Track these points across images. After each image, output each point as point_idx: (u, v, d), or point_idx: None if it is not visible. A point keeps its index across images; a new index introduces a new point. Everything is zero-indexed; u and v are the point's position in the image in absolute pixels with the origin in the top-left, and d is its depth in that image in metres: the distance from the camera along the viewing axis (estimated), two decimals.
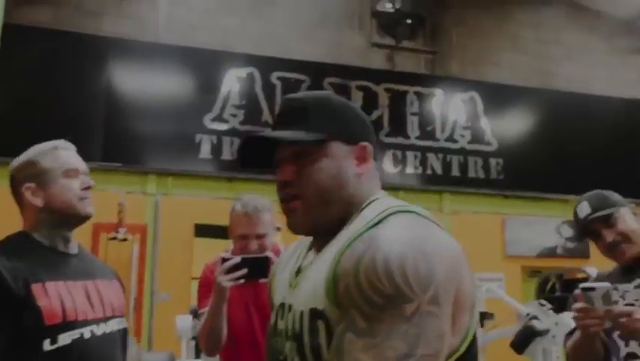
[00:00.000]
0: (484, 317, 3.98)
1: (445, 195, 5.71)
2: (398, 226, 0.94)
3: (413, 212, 0.97)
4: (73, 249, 1.68)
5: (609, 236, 1.91)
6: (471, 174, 5.79)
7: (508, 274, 5.60)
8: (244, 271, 1.93)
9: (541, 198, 5.92)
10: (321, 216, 1.02)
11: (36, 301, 1.47)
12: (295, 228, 1.05)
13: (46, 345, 1.47)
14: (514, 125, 6.08)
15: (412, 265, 0.88)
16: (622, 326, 1.67)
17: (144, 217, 4.82)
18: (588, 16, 6.69)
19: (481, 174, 5.82)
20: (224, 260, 1.95)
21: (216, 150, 5.02)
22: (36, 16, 4.92)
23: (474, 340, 0.96)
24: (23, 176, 1.65)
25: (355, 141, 1.05)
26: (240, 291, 2.09)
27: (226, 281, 1.93)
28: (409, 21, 5.87)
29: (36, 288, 1.49)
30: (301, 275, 1.06)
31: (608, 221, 1.92)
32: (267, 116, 5.21)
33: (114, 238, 4.49)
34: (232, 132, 5.04)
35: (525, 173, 5.87)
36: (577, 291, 1.75)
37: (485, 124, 5.93)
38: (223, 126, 5.07)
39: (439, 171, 5.67)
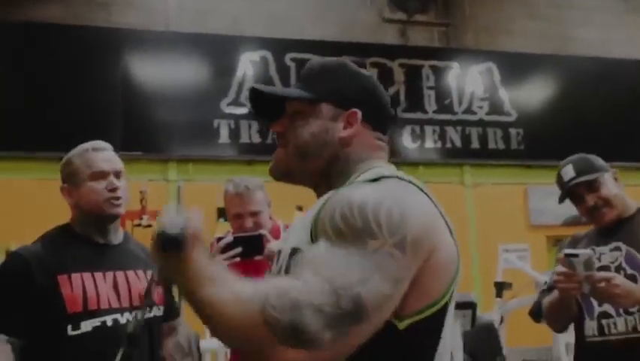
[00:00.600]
0: (503, 287, 4.00)
1: (466, 168, 5.68)
2: (383, 183, 0.99)
3: (401, 178, 1.02)
4: (115, 240, 1.79)
5: (591, 200, 1.98)
6: (491, 145, 5.74)
7: (534, 244, 5.58)
8: (238, 249, 1.96)
9: None
10: (295, 167, 1.11)
11: (60, 290, 1.61)
12: (270, 171, 1.13)
13: (70, 331, 1.61)
14: (532, 94, 6.01)
15: (387, 210, 0.91)
16: (600, 290, 1.73)
17: (168, 204, 4.88)
18: None
19: (501, 145, 5.77)
20: (218, 240, 1.99)
21: (234, 134, 5.04)
22: (47, 13, 4.95)
23: (442, 311, 0.96)
24: (62, 175, 1.79)
25: (348, 106, 1.11)
26: (242, 273, 2.13)
27: (221, 260, 1.96)
28: None
29: (62, 278, 1.63)
30: (295, 225, 1.14)
31: (592, 185, 1.99)
32: None
33: (139, 225, 4.62)
34: (249, 116, 5.05)
35: (546, 142, 5.81)
36: (559, 255, 1.82)
37: (503, 94, 5.87)
38: (240, 110, 5.08)
39: (458, 144, 5.63)
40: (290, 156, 1.11)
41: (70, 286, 1.62)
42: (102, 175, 1.73)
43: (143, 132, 4.87)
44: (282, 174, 1.13)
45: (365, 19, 5.71)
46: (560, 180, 2.07)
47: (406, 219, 0.91)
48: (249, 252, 1.98)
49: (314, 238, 0.96)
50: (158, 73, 5.01)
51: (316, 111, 1.11)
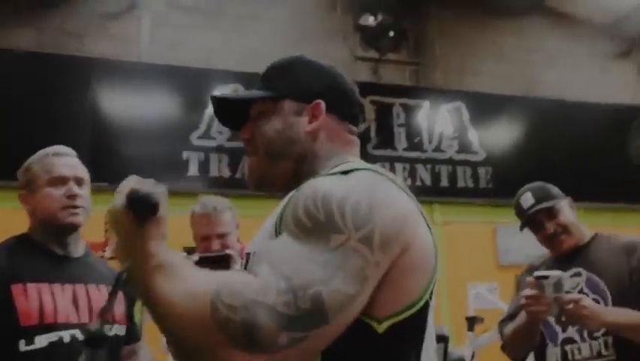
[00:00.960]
0: (474, 321, 3.98)
1: (435, 206, 5.71)
2: (353, 175, 0.93)
3: (375, 171, 0.96)
4: (75, 252, 1.66)
5: (551, 227, 2.03)
6: (460, 183, 5.80)
7: (502, 283, 5.59)
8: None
9: None
10: (269, 170, 1.06)
11: (14, 301, 1.46)
12: (250, 180, 1.10)
13: (22, 346, 1.45)
14: (501, 133, 6.11)
15: (354, 202, 0.84)
16: (569, 312, 1.76)
17: None
18: (569, 23, 6.76)
19: (471, 184, 5.83)
20: None
21: (204, 167, 4.99)
22: (18, 40, 4.89)
23: (423, 311, 0.90)
24: (21, 181, 1.67)
25: (311, 99, 1.07)
26: None
27: None
28: (391, 34, 5.90)
29: (16, 288, 1.47)
30: (263, 225, 1.07)
31: (551, 212, 2.03)
32: None
33: (102, 257, 4.50)
34: (219, 149, 5.02)
35: (514, 181, 5.79)
36: (529, 278, 1.84)
37: (472, 133, 5.95)
38: (210, 143, 5.04)
39: (428, 182, 5.67)
40: (261, 160, 1.07)
41: (25, 296, 1.47)
42: (61, 181, 1.60)
43: (110, 163, 4.80)
44: (258, 181, 1.09)
45: (338, 56, 5.77)
46: (519, 208, 2.11)
47: (375, 212, 0.84)
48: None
49: (278, 232, 0.90)
50: (128, 103, 4.96)
51: (278, 108, 1.07)
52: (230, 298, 0.76)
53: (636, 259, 1.92)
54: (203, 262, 1.89)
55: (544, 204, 2.05)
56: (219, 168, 5.04)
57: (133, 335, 1.78)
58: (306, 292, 0.77)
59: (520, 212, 2.11)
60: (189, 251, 1.93)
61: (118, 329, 1.67)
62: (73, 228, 1.65)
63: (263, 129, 1.07)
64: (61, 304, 1.53)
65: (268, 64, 1.15)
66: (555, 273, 1.80)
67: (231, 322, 0.75)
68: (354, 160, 1.05)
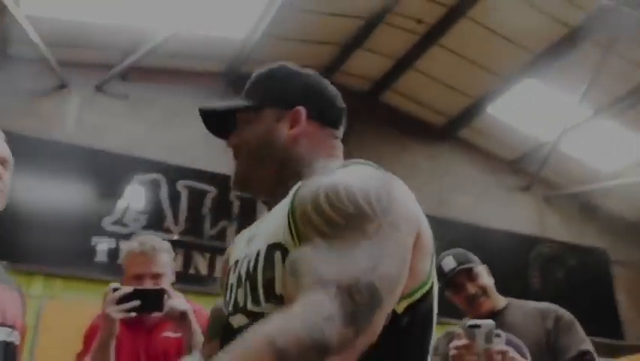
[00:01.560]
0: None
1: None
2: (356, 167, 0.97)
3: (369, 164, 1.00)
4: None
5: (472, 289, 2.10)
6: None
7: None
8: (136, 302, 1.75)
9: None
10: (252, 174, 1.10)
11: None
12: (234, 182, 1.13)
13: None
14: None
15: (375, 190, 0.87)
16: None
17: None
18: (477, 154, 7.25)
19: None
20: (114, 290, 1.78)
21: (113, 254, 4.84)
22: None
23: (430, 292, 0.94)
24: None
25: (292, 106, 1.11)
26: (132, 338, 1.94)
27: (116, 312, 1.74)
28: None
29: None
30: (258, 228, 1.06)
31: (471, 274, 2.11)
32: (170, 222, 5.14)
33: None
34: (131, 237, 4.91)
35: None
36: (458, 330, 1.83)
37: None
38: (122, 230, 4.93)
39: None
40: (244, 165, 1.11)
41: None
42: None
43: (14, 241, 4.57)
44: (241, 184, 1.12)
45: None
46: (441, 272, 2.14)
47: (393, 198, 0.88)
48: (148, 307, 1.77)
49: (295, 231, 0.89)
50: (40, 181, 4.80)
51: (260, 117, 1.11)
52: (290, 337, 0.72)
53: (551, 321, 2.03)
54: (136, 295, 1.77)
55: (466, 266, 2.13)
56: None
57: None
58: (359, 285, 0.78)
59: (442, 275, 2.16)
60: (116, 289, 1.81)
61: (6, 333, 1.45)
62: None
63: (246, 136, 1.11)
64: None
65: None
66: (487, 322, 1.81)
67: (303, 349, 0.72)
68: (341, 161, 1.08)
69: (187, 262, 5.03)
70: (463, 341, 1.82)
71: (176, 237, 4.96)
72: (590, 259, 7.30)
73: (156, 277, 2.00)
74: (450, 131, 6.96)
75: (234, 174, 1.14)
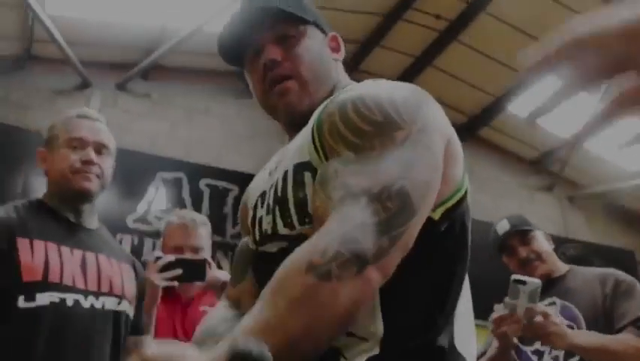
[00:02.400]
0: None
1: None
2: (385, 81, 0.94)
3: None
4: (89, 224, 1.58)
5: (523, 252, 2.04)
6: None
7: None
8: (178, 271, 1.74)
9: None
10: (314, 94, 1.00)
11: (18, 254, 1.35)
12: (294, 106, 1.00)
13: (21, 302, 1.32)
14: None
15: (402, 100, 0.85)
16: (536, 325, 1.69)
17: None
18: (499, 153, 7.19)
19: None
20: (157, 259, 1.81)
21: (137, 250, 4.83)
22: None
23: (465, 197, 0.92)
24: (45, 139, 1.58)
25: (326, 32, 1.08)
26: (168, 311, 1.94)
27: (159, 280, 1.74)
28: None
29: (22, 242, 1.37)
30: (282, 155, 1.01)
31: (525, 238, 2.06)
32: None
33: None
34: (155, 235, 4.90)
35: None
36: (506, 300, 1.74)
37: None
38: (145, 227, 4.93)
39: None
40: (307, 84, 1.00)
41: (31, 252, 1.36)
42: (80, 143, 1.52)
43: None
44: (305, 108, 0.99)
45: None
46: (494, 235, 2.10)
47: (421, 105, 0.86)
48: (190, 276, 1.77)
49: (320, 145, 0.87)
50: None
51: (308, 34, 1.03)
52: (327, 254, 0.72)
53: (609, 286, 1.96)
54: (179, 264, 1.76)
55: (519, 228, 2.08)
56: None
57: (139, 325, 1.64)
58: (390, 192, 0.77)
59: (496, 239, 2.12)
60: (159, 258, 1.80)
61: (117, 303, 1.50)
62: (85, 194, 1.54)
63: (306, 54, 1.01)
64: (68, 266, 1.42)
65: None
66: (533, 280, 1.74)
67: (344, 262, 0.72)
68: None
69: None
70: (499, 314, 1.78)
71: None
72: (617, 260, 7.17)
73: (195, 250, 2.01)
74: (470, 129, 6.90)
75: (291, 94, 1.00)
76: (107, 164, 1.59)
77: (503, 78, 6.16)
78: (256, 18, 1.02)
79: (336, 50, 1.08)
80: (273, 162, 1.09)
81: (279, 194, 0.93)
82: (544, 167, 7.29)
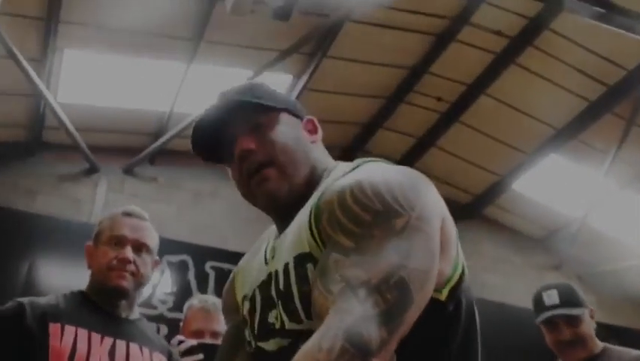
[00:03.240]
0: None
1: None
2: (378, 165, 0.95)
3: (378, 160, 0.99)
4: (128, 315, 1.59)
5: (567, 334, 1.92)
6: None
7: None
8: (199, 356, 1.73)
9: None
10: (294, 178, 0.99)
11: (49, 339, 1.41)
12: (274, 193, 0.98)
13: None
14: None
15: (398, 186, 0.86)
16: None
17: None
18: (505, 232, 7.15)
19: None
20: (180, 343, 1.79)
21: None
22: None
23: (464, 272, 0.91)
24: (94, 233, 1.64)
25: (300, 116, 1.07)
26: None
27: None
28: None
29: (53, 327, 1.43)
30: (278, 244, 0.99)
31: (573, 321, 1.92)
32: None
33: None
34: (159, 318, 4.82)
35: None
36: None
37: None
38: (150, 312, 4.85)
39: None
40: (285, 169, 0.99)
41: (61, 337, 1.41)
42: (119, 241, 1.56)
43: None
44: (286, 194, 0.98)
45: None
46: (539, 302, 1.98)
47: (417, 190, 0.87)
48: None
49: (317, 234, 0.86)
50: (68, 262, 4.80)
51: (280, 120, 1.03)
52: (333, 353, 0.74)
53: None
54: (200, 349, 1.73)
55: (569, 311, 1.95)
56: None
57: None
58: (389, 283, 0.78)
59: (540, 307, 1.99)
60: (181, 342, 1.78)
61: None
62: (119, 291, 1.56)
63: (281, 139, 1.00)
64: (96, 352, 1.45)
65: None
66: None
67: (350, 357, 0.74)
68: (350, 164, 1.03)
69: None
70: None
71: None
72: (628, 340, 6.99)
73: (215, 335, 2.03)
74: (476, 209, 6.90)
75: (270, 181, 0.98)
76: (145, 262, 1.61)
77: (506, 157, 6.23)
78: (226, 113, 1.02)
79: (312, 131, 1.07)
80: (267, 246, 1.06)
81: (282, 288, 0.93)
82: (552, 245, 7.23)
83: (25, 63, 4.07)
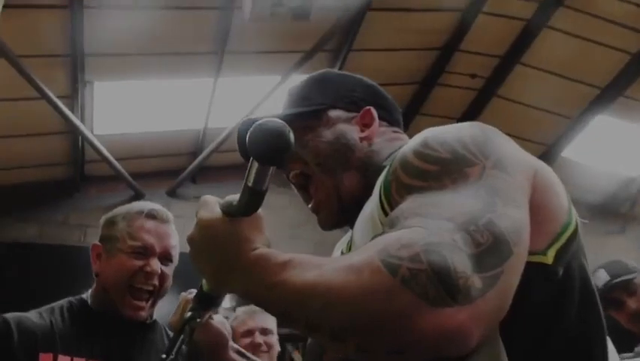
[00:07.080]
0: None
1: None
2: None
3: None
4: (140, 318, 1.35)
5: (633, 304, 1.77)
6: None
7: None
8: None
9: None
10: (341, 189, 0.93)
11: None
12: (325, 225, 1.00)
13: None
14: None
15: (469, 136, 0.74)
16: None
17: None
18: None
19: None
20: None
21: None
22: (25, 233, 4.95)
23: (576, 232, 0.76)
24: (102, 232, 1.42)
25: (358, 107, 0.99)
26: None
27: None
28: None
29: (45, 358, 1.25)
30: (353, 237, 0.92)
31: (629, 287, 1.79)
32: None
33: None
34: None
35: None
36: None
37: None
38: None
39: None
40: (323, 184, 0.94)
41: None
42: (146, 251, 1.33)
43: None
44: (336, 212, 0.95)
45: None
46: (623, 266, 1.85)
47: (492, 140, 0.74)
48: None
49: (388, 206, 0.74)
50: None
51: (324, 121, 0.97)
52: (405, 249, 0.58)
53: None
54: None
55: (621, 278, 1.82)
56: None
57: None
58: (477, 224, 0.61)
59: (625, 270, 1.87)
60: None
61: None
62: (134, 320, 1.35)
63: (312, 147, 0.95)
64: None
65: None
66: None
67: (417, 272, 0.56)
68: None
69: (281, 355, 4.86)
70: None
71: None
72: None
73: (265, 332, 2.07)
74: None
75: (322, 208, 0.97)
76: (169, 274, 1.41)
77: (550, 125, 6.02)
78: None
79: (365, 126, 0.99)
80: (343, 243, 1.03)
81: None
82: (612, 209, 6.96)
83: (57, 101, 4.10)
